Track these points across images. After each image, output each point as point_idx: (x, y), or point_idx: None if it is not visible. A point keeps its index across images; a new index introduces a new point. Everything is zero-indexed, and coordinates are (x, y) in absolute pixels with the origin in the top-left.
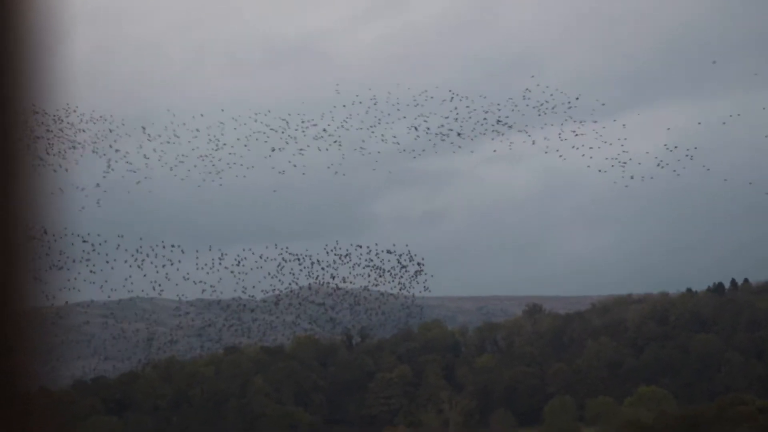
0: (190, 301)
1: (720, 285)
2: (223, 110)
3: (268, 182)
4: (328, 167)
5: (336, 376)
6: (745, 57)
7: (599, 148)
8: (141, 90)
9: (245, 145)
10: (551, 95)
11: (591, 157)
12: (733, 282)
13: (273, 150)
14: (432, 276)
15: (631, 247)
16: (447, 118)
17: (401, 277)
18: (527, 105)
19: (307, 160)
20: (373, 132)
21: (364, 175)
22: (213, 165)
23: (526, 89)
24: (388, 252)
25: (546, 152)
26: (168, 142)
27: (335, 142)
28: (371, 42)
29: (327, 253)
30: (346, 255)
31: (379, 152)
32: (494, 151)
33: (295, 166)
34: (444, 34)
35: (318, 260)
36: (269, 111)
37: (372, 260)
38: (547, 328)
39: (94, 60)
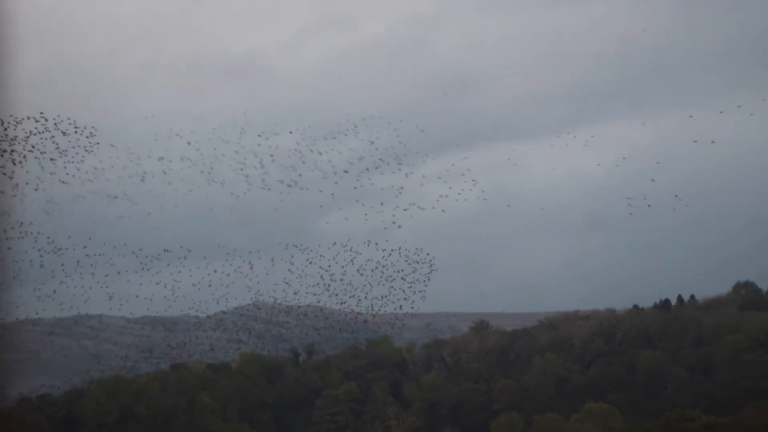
0: (136, 319)
1: (666, 301)
2: (171, 126)
3: (214, 199)
4: (277, 182)
5: (283, 393)
6: (694, 72)
7: (553, 163)
8: (88, 105)
9: (188, 160)
10: (496, 113)
11: (537, 174)
12: (680, 298)
13: (211, 169)
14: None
15: (578, 264)
16: (390, 136)
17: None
18: (471, 124)
19: (252, 175)
20: (317, 149)
21: (309, 194)
22: (164, 177)
23: (470, 109)
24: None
25: (493, 168)
26: (112, 158)
27: (276, 159)
28: (316, 60)
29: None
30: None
31: (323, 170)
32: (439, 171)
33: (246, 176)
34: (388, 54)
35: (266, 273)
36: (215, 127)
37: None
38: (494, 344)
39: (42, 75)
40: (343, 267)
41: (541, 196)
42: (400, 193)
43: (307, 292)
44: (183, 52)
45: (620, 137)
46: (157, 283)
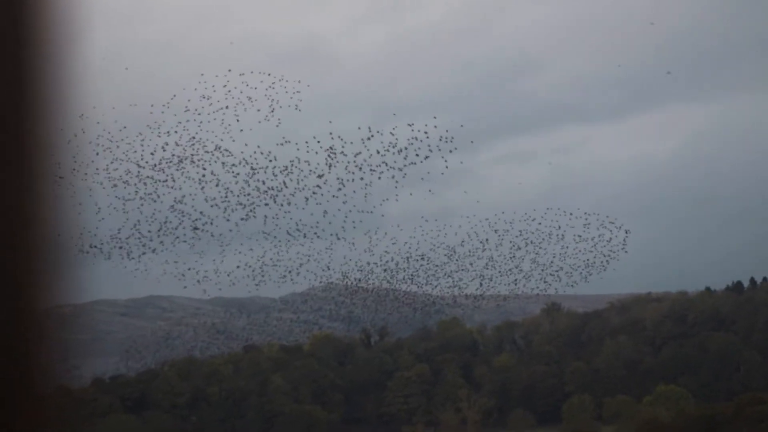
0: (208, 300)
1: (739, 283)
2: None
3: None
4: (344, 169)
5: (354, 375)
6: (746, 60)
7: (612, 147)
8: (151, 92)
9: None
10: (556, 98)
11: (602, 156)
12: (752, 281)
13: (284, 141)
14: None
15: (650, 246)
16: (452, 119)
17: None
18: (533, 107)
19: (313, 160)
20: (380, 131)
21: (372, 177)
22: (227, 157)
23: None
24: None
25: (558, 152)
26: (178, 144)
27: (342, 147)
28: (374, 45)
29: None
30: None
31: (383, 154)
32: (502, 153)
33: (307, 163)
34: (447, 38)
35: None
36: (272, 111)
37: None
38: (565, 326)
39: (105, 63)
40: (413, 247)
41: (608, 179)
42: (465, 176)
43: (378, 274)
44: (241, 34)
45: (683, 121)
46: (236, 266)
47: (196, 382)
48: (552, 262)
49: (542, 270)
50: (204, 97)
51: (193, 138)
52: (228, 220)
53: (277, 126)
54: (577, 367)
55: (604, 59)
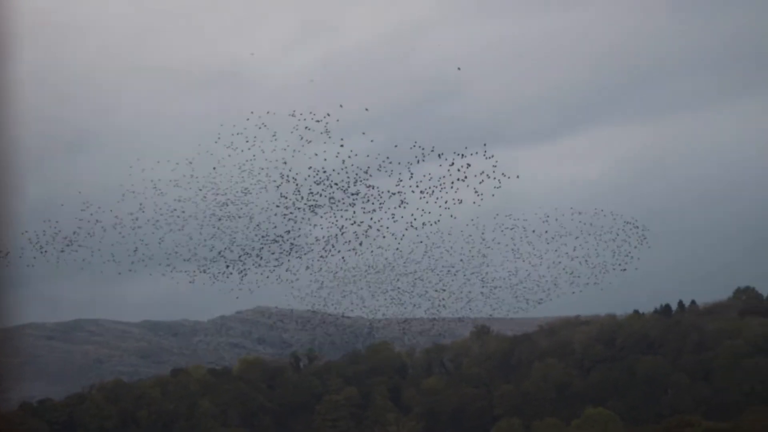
0: (136, 323)
1: (667, 307)
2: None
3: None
4: (271, 186)
5: (283, 398)
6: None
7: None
8: (73, 113)
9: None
10: (486, 119)
11: (533, 179)
12: (680, 303)
13: (214, 168)
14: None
15: (578, 268)
16: (377, 142)
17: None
18: (460, 129)
19: (246, 179)
20: (304, 155)
21: (301, 198)
22: (154, 184)
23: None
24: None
25: (488, 175)
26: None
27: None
28: (302, 67)
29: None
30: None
31: (312, 175)
32: (430, 176)
33: (233, 188)
34: (374, 60)
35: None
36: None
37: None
38: (494, 349)
39: (34, 75)
40: (340, 271)
41: (539, 202)
42: (392, 199)
43: (306, 297)
44: (170, 57)
45: (615, 142)
46: (159, 288)
47: (124, 406)
48: (484, 284)
49: (471, 292)
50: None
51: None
52: (161, 242)
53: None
54: (506, 390)
55: (533, 82)
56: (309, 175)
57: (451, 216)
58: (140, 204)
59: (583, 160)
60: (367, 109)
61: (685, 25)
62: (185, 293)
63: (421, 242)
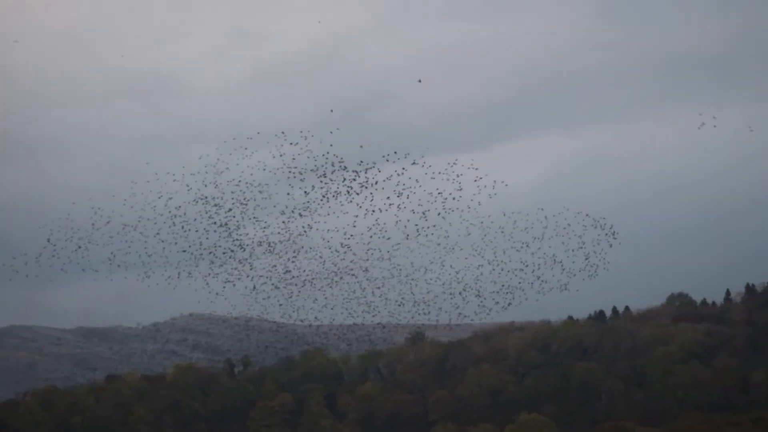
0: (70, 330)
1: (601, 313)
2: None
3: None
4: (197, 195)
5: (217, 405)
6: (617, 85)
7: (477, 178)
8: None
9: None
10: (415, 126)
11: (463, 187)
12: (614, 310)
13: (133, 182)
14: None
15: (513, 275)
16: (310, 149)
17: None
18: (393, 136)
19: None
20: (232, 163)
21: (228, 206)
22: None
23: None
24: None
25: (421, 180)
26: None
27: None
28: (231, 75)
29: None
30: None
31: (240, 183)
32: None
33: (160, 197)
34: (305, 68)
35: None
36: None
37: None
38: (429, 355)
39: None
40: (274, 278)
41: (471, 208)
42: (319, 207)
43: (241, 304)
44: (95, 68)
45: (543, 151)
46: (92, 295)
47: (58, 412)
48: (420, 291)
49: (407, 299)
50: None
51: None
52: (94, 250)
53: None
54: (441, 396)
55: (464, 89)
56: (240, 182)
57: (380, 222)
58: (68, 213)
59: (513, 168)
60: (332, 110)
61: (612, 35)
62: (119, 300)
63: (361, 248)
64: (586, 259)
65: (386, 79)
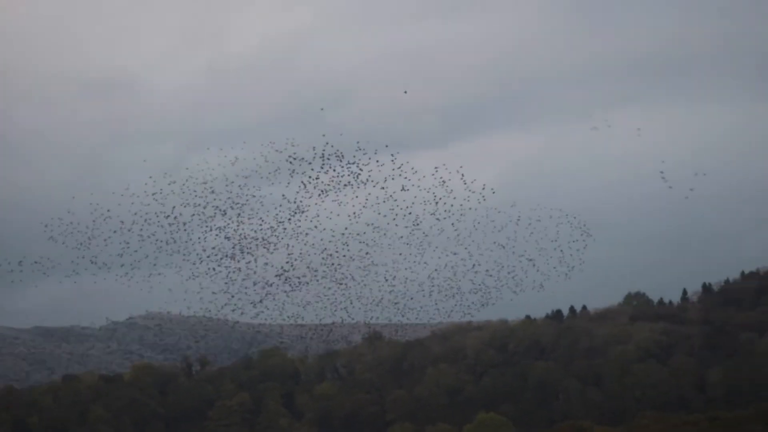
0: (27, 329)
1: (558, 312)
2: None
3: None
4: (150, 195)
5: (175, 404)
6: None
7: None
8: None
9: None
10: (371, 127)
11: (419, 184)
12: (572, 309)
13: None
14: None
15: (470, 274)
16: (263, 150)
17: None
18: (348, 136)
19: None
20: (187, 164)
21: (185, 207)
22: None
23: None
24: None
25: (377, 180)
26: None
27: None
28: (184, 77)
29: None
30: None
31: (195, 183)
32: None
33: (113, 193)
34: (259, 70)
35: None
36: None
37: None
38: (387, 355)
39: None
40: (232, 277)
41: (430, 207)
42: (275, 206)
43: (198, 303)
44: (51, 68)
45: (501, 150)
46: (50, 294)
47: (15, 412)
48: (378, 289)
49: (366, 298)
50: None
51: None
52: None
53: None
54: (399, 396)
55: (421, 88)
56: (196, 181)
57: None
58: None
59: (472, 167)
60: (323, 108)
61: (573, 35)
62: (76, 299)
63: (306, 250)
64: (560, 260)
65: (343, 78)
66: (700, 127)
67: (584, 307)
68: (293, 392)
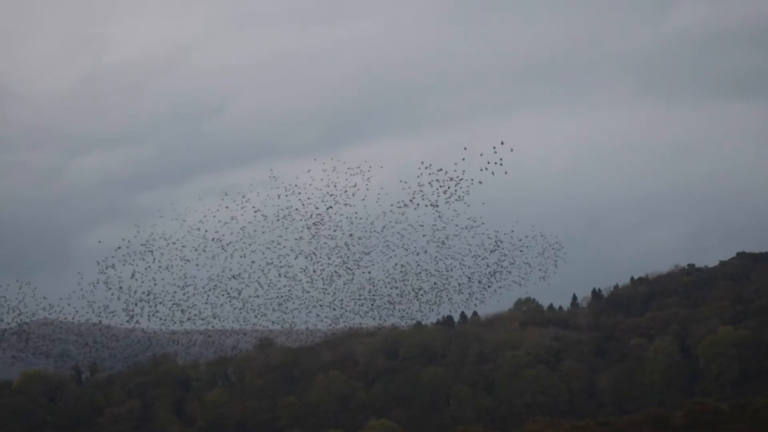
0: None
1: (449, 318)
2: None
3: None
4: (33, 200)
5: (65, 412)
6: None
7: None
8: None
9: None
10: (253, 134)
11: (303, 191)
12: (463, 315)
13: None
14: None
15: (354, 282)
16: (146, 156)
17: None
18: (230, 143)
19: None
20: (72, 168)
21: (68, 211)
22: None
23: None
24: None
25: (261, 186)
26: None
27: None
28: (67, 82)
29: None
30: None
31: (80, 188)
32: (199, 190)
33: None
34: (141, 76)
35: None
36: None
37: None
38: (278, 361)
39: None
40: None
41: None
42: (167, 211)
43: (89, 309)
44: None
45: (389, 156)
46: None
47: None
48: (264, 296)
49: (256, 304)
50: None
51: None
52: None
53: None
54: (290, 402)
55: (306, 95)
56: (75, 187)
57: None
58: None
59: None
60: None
61: (455, 41)
62: None
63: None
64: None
65: (224, 86)
66: (579, 134)
67: (475, 313)
68: (184, 399)
